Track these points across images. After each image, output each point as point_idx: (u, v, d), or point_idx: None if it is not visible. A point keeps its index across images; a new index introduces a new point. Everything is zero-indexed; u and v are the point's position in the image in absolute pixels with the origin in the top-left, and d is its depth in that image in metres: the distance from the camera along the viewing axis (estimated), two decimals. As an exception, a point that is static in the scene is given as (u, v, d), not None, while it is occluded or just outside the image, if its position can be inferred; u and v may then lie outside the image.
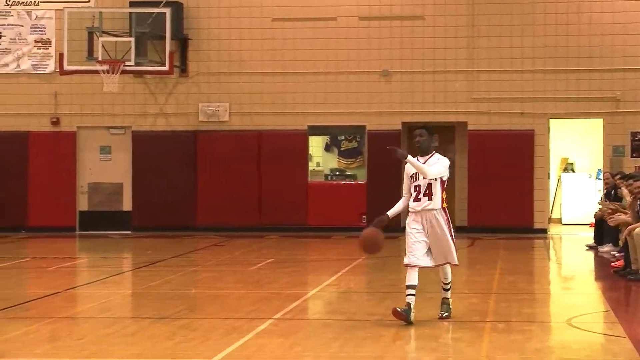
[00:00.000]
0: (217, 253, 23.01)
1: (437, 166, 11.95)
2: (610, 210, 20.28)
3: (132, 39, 26.62)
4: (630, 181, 18.42)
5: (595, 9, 26.85)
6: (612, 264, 18.28)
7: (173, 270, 19.20)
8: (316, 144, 28.75)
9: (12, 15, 28.48)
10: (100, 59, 26.39)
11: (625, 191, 19.67)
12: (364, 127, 27.64)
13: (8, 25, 28.48)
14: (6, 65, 28.42)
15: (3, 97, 28.35)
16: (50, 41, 28.26)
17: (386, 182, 26.36)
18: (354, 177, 28.31)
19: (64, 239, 26.75)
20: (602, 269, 18.66)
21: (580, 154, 30.74)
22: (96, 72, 26.41)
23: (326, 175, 28.53)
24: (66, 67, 26.89)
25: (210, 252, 23.29)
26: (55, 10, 27.98)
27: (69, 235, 27.51)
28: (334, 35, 27.56)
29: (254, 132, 27.80)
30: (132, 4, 27.60)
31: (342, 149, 28.65)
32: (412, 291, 11.92)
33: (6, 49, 28.42)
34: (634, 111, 26.71)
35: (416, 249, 12.01)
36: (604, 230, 20.82)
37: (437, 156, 12.21)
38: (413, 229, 12.09)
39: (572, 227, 28.13)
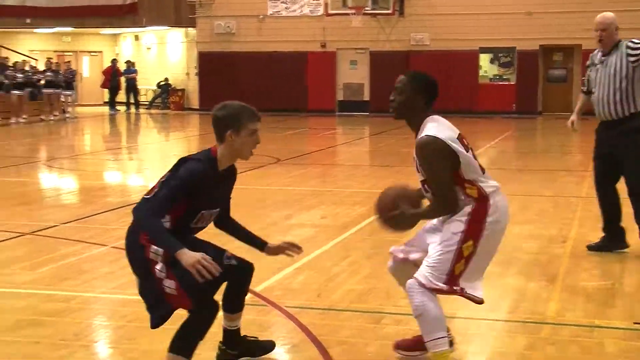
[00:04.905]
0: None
1: None
2: None
3: (370, -7, 27.34)
4: None
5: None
6: None
7: (392, 137, 19.21)
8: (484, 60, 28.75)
9: (298, -21, 29.65)
10: (350, 5, 27.36)
11: None
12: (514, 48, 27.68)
13: (295, -14, 29.71)
14: (294, 10, 29.45)
15: (292, 30, 29.23)
16: (320, -6, 29.24)
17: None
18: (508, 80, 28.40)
19: (328, 117, 27.61)
20: None
21: None
22: (347, 14, 27.43)
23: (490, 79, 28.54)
24: (330, 11, 27.99)
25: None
26: (323, -24, 28.88)
27: (331, 115, 28.45)
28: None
29: (444, 51, 27.80)
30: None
31: (501, 62, 28.53)
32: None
33: (294, 1, 29.58)
34: None
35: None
36: None
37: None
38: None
39: None
